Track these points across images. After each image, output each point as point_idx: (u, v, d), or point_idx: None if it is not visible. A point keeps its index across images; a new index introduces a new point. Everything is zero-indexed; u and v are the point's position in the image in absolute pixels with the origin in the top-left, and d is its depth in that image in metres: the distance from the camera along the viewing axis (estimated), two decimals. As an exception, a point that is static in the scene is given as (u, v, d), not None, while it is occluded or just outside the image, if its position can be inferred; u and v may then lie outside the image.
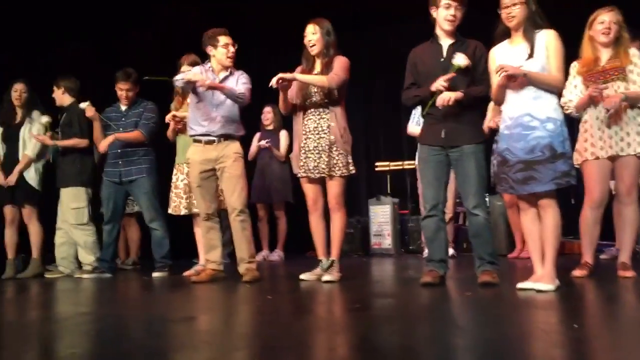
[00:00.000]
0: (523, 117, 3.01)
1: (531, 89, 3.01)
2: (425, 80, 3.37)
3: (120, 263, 5.73)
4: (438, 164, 3.38)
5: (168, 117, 4.68)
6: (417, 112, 5.46)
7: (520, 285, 3.02)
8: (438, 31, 3.41)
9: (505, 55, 3.10)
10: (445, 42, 3.39)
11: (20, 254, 5.36)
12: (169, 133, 4.83)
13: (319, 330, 2.36)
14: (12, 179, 5.14)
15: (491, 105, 4.92)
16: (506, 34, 3.14)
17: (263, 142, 6.11)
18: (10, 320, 3.08)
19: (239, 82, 4.07)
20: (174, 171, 4.85)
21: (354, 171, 3.89)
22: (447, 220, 5.22)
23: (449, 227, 5.36)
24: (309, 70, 3.87)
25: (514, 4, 3.03)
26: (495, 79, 3.14)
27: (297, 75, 3.77)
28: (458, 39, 3.39)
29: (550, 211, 3.00)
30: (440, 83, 3.25)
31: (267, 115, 6.26)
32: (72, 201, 5.04)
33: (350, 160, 3.86)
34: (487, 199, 5.55)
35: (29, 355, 2.10)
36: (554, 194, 3.01)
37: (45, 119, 5.21)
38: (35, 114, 5.30)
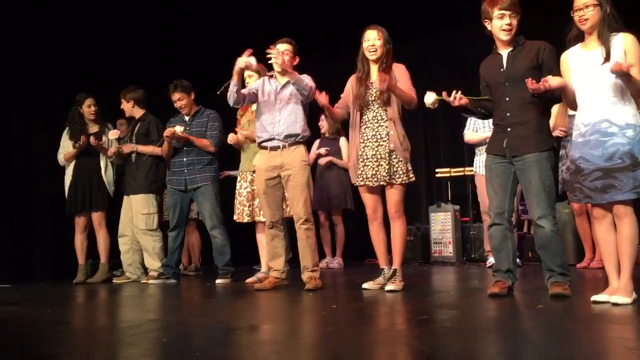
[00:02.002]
0: (601, 123, 2.88)
1: (609, 94, 2.89)
2: (493, 92, 3.34)
3: (182, 269, 5.85)
4: (503, 172, 3.30)
5: (233, 139, 4.78)
6: (471, 119, 5.38)
7: (594, 297, 2.90)
8: (497, 42, 3.36)
9: (579, 60, 2.99)
10: (505, 51, 3.33)
11: (89, 260, 5.57)
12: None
13: (385, 342, 2.33)
14: (112, 150, 5.36)
15: (554, 110, 4.77)
16: (579, 37, 3.03)
17: (323, 151, 6.10)
18: (84, 325, 3.19)
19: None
20: (238, 179, 4.92)
21: (413, 178, 3.85)
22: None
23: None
24: (365, 76, 3.84)
25: (587, 6, 2.91)
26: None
27: (397, 88, 3.71)
28: (516, 46, 3.30)
29: (628, 220, 2.86)
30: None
31: (321, 122, 6.27)
32: (143, 207, 5.21)
33: (409, 168, 3.81)
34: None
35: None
36: (631, 202, 2.88)
37: (114, 134, 5.41)
38: (112, 131, 5.50)
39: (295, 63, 4.16)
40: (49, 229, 6.04)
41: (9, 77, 5.85)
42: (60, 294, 4.71)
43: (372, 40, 3.80)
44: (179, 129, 4.91)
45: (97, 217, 5.44)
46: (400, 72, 3.80)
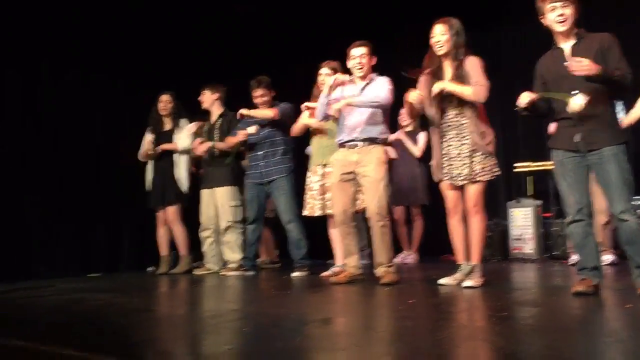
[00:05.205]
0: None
1: None
2: (555, 88, 3.21)
3: (260, 262, 5.98)
4: (577, 166, 3.17)
5: (303, 107, 4.82)
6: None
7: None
8: (556, 36, 3.24)
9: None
10: (566, 44, 3.20)
11: (172, 251, 5.80)
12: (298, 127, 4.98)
13: (465, 338, 2.29)
14: (159, 148, 5.62)
15: None
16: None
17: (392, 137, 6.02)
18: (169, 313, 3.33)
19: (377, 87, 4.10)
20: (308, 173, 4.96)
21: (497, 173, 3.75)
22: (603, 223, 4.89)
23: (607, 232, 4.99)
24: (436, 73, 3.77)
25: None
26: None
27: (448, 84, 3.67)
28: (579, 38, 3.17)
29: None
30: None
31: (405, 116, 6.21)
32: (231, 199, 5.37)
33: (493, 162, 3.72)
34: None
35: (190, 349, 2.26)
36: None
37: (193, 127, 5.60)
38: (183, 122, 5.71)
39: (372, 63, 4.19)
40: (134, 222, 6.35)
41: (98, 76, 6.20)
42: (145, 283, 4.94)
43: (438, 35, 3.72)
44: (251, 129, 5.02)
45: (171, 211, 5.66)
46: (471, 65, 3.69)
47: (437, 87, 3.66)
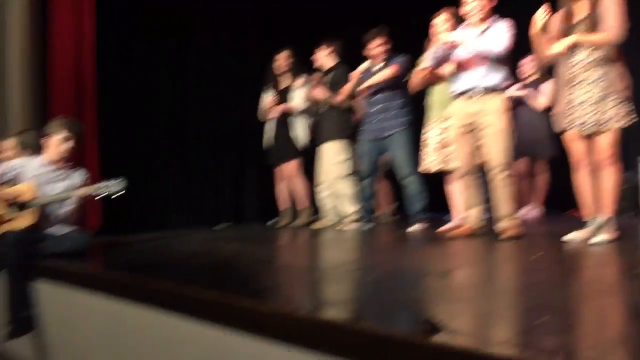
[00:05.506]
0: None
1: None
2: None
3: (377, 215, 6.00)
4: None
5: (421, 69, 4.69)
6: None
7: None
8: None
9: None
10: None
11: (291, 205, 6.00)
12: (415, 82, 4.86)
13: (593, 294, 2.19)
14: (279, 108, 5.77)
15: None
16: None
17: (515, 91, 5.72)
18: (290, 263, 3.48)
19: (496, 33, 3.90)
20: (423, 129, 4.86)
21: (634, 120, 3.46)
22: None
23: None
24: (569, 14, 3.52)
25: None
26: None
27: (577, 37, 3.41)
28: None
29: None
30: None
31: (525, 68, 5.87)
32: (338, 154, 5.40)
33: (629, 108, 3.43)
34: None
35: (313, 295, 2.35)
36: None
37: (300, 83, 5.70)
38: (300, 79, 5.78)
39: (492, 5, 3.97)
40: (258, 178, 6.69)
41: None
42: (267, 236, 5.16)
43: None
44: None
45: (291, 166, 5.82)
46: (608, 4, 3.37)
47: (564, 43, 3.41)
